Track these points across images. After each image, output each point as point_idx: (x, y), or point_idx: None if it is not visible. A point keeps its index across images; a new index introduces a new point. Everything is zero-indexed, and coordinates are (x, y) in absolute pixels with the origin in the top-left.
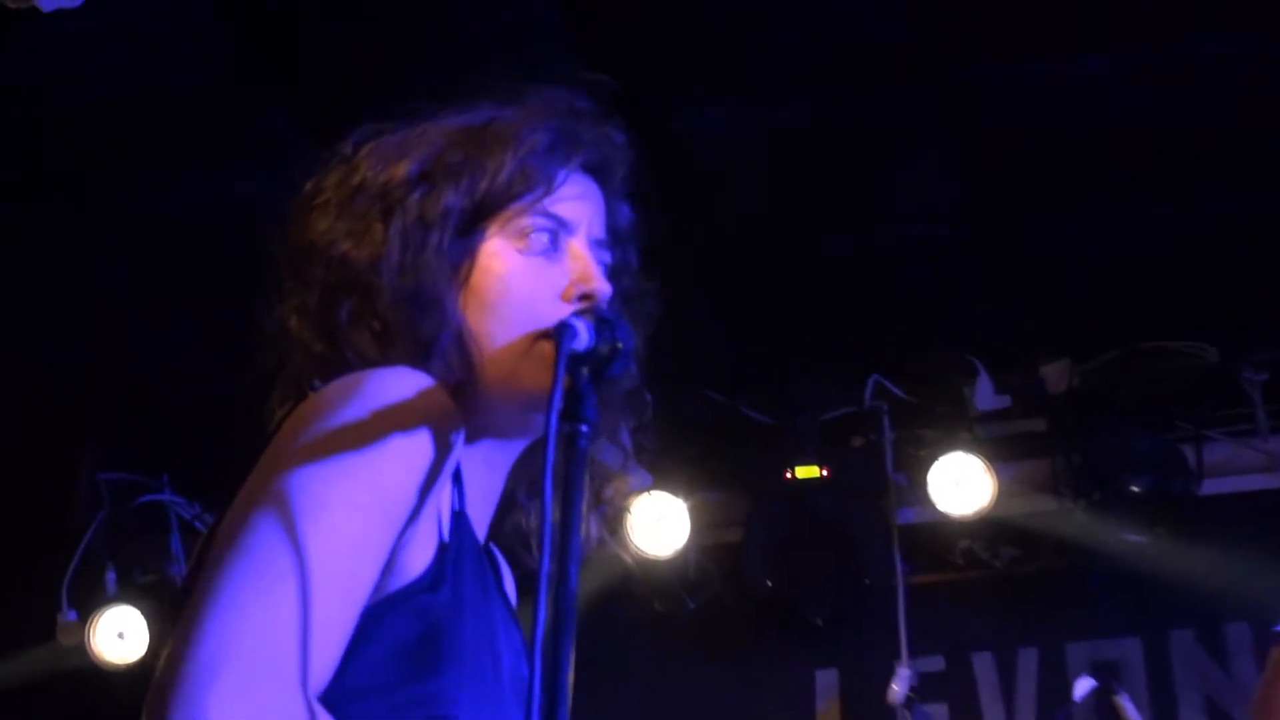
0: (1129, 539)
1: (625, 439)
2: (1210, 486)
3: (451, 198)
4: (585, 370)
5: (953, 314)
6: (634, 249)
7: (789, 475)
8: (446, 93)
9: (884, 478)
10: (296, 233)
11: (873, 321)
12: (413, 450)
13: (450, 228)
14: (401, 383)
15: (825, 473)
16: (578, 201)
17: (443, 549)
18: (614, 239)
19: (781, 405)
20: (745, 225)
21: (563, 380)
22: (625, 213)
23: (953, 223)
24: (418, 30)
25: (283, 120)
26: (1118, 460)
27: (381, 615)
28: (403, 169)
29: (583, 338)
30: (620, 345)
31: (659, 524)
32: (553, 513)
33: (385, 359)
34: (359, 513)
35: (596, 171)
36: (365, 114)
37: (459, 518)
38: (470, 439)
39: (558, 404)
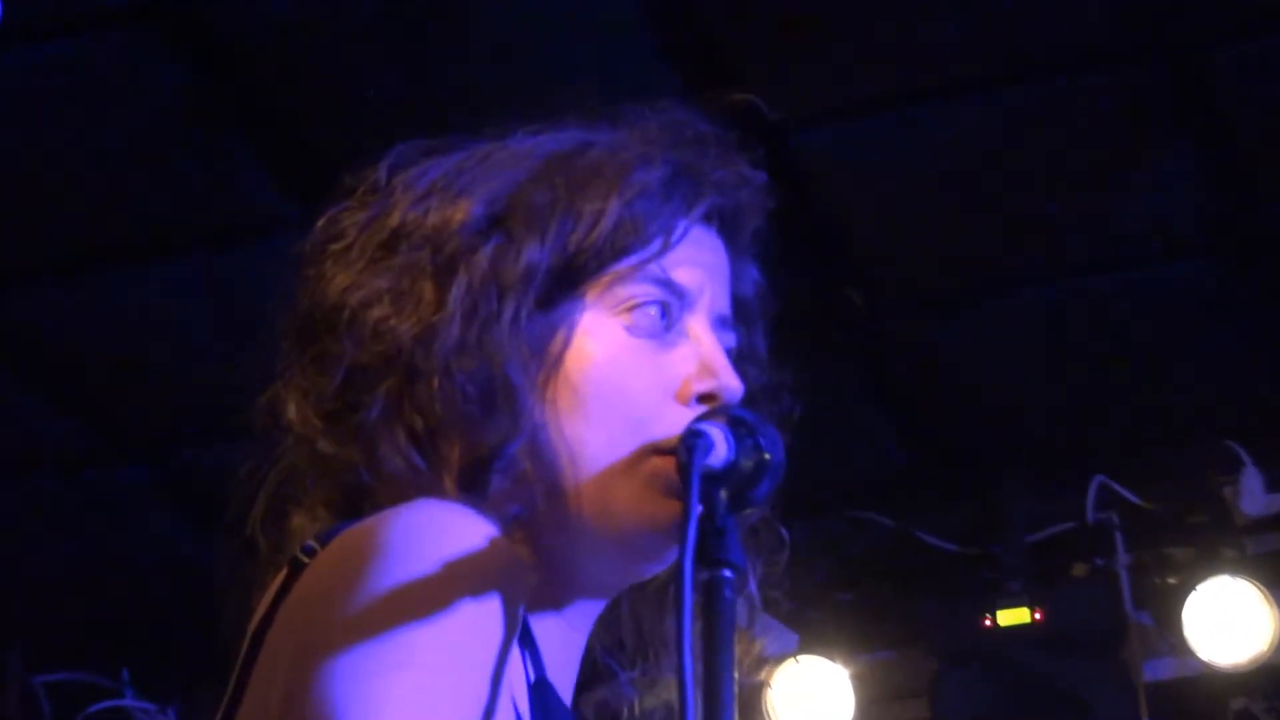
0: None
1: (753, 588)
2: None
3: (535, 252)
4: (723, 493)
5: (1204, 384)
6: (761, 328)
7: (988, 622)
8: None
9: (1120, 618)
10: (309, 290)
11: (1093, 402)
12: (488, 621)
13: (531, 295)
14: (461, 528)
15: (1038, 616)
16: (699, 266)
17: None
18: (739, 315)
19: (973, 526)
20: (907, 282)
21: (697, 509)
22: (754, 279)
23: (1196, 254)
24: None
25: (255, 184)
26: None
27: None
28: (463, 209)
29: (720, 449)
30: (768, 457)
31: (811, 699)
32: (696, 701)
33: (417, 474)
34: (433, 716)
35: (724, 223)
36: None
37: (539, 688)
38: (539, 597)
39: (693, 541)
